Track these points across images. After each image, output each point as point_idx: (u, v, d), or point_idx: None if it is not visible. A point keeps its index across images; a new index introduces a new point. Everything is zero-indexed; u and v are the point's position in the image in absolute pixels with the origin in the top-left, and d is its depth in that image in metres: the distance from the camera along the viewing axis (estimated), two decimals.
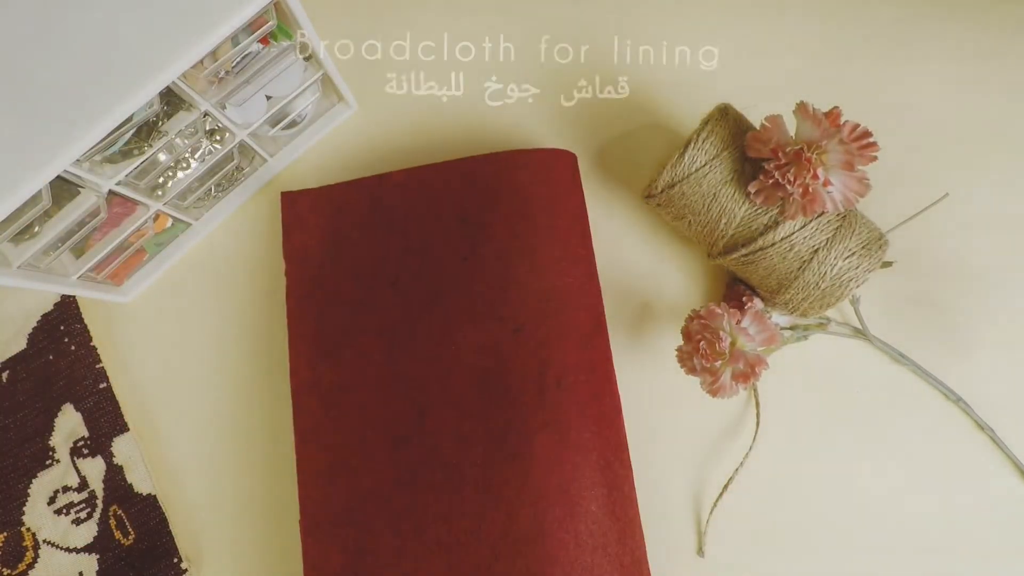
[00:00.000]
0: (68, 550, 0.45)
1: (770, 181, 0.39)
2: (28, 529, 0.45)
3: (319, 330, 0.45)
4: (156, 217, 0.44)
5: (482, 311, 0.43)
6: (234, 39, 0.37)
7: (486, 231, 0.44)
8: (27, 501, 0.45)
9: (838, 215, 0.41)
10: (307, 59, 0.43)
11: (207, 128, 0.42)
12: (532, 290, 0.43)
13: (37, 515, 0.45)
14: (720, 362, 0.39)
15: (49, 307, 0.47)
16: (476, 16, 0.52)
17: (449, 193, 0.45)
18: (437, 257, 0.44)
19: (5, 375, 0.46)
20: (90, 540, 0.45)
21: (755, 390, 0.46)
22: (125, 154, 0.38)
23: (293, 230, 0.47)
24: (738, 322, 0.39)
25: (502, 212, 0.44)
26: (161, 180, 0.42)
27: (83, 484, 0.45)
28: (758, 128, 0.40)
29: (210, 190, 0.47)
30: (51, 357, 0.47)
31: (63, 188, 0.36)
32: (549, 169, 0.45)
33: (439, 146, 0.50)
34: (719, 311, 0.40)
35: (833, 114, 0.37)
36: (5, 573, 0.44)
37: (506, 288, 0.43)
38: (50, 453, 0.46)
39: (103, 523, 0.45)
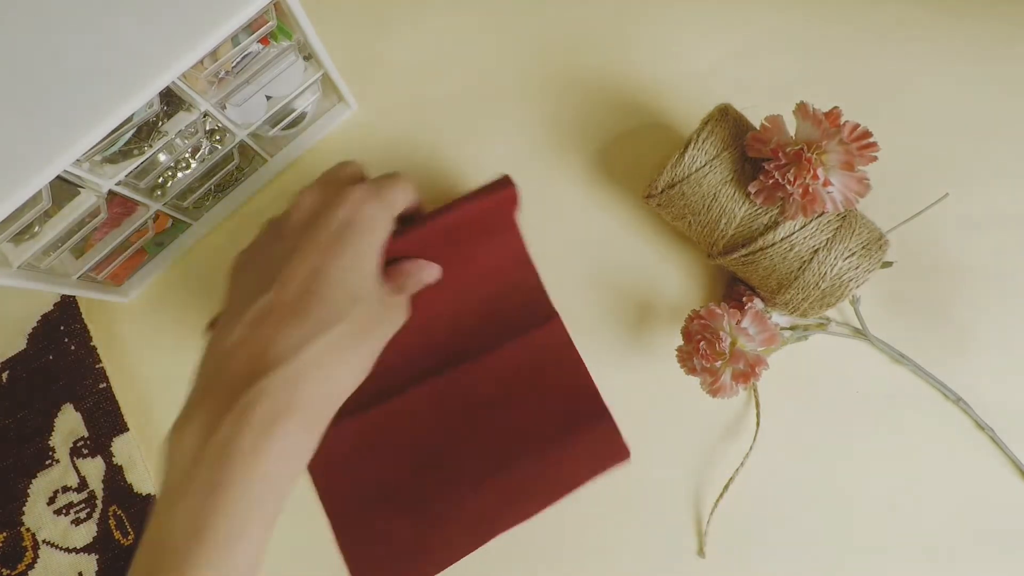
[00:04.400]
0: (68, 550, 0.45)
1: (770, 181, 0.39)
2: (28, 529, 0.45)
3: None
4: (156, 217, 0.44)
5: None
6: (234, 39, 0.37)
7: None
8: (27, 501, 0.45)
9: (838, 215, 0.41)
10: (307, 59, 0.43)
11: (207, 128, 0.42)
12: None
13: (37, 515, 0.45)
14: (720, 362, 0.39)
15: (49, 307, 0.47)
16: (476, 16, 0.52)
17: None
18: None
19: (5, 375, 0.46)
20: (90, 540, 0.45)
21: (755, 390, 0.46)
22: (125, 154, 0.38)
23: None
24: (738, 322, 0.39)
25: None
26: (161, 180, 0.42)
27: (83, 484, 0.45)
28: (758, 128, 0.40)
29: (210, 190, 0.47)
30: (51, 357, 0.47)
31: (63, 188, 0.36)
32: (491, 211, 0.46)
33: (438, 145, 0.50)
34: (719, 311, 0.40)
35: (833, 114, 0.37)
36: (5, 573, 0.44)
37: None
38: (50, 453, 0.46)
39: (103, 523, 0.45)
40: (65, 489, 0.45)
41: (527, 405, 0.45)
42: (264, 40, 0.39)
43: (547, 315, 0.46)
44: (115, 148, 0.37)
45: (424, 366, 0.46)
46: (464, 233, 0.45)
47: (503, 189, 0.44)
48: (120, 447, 0.46)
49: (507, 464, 0.45)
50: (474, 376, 0.45)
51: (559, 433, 0.45)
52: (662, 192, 0.43)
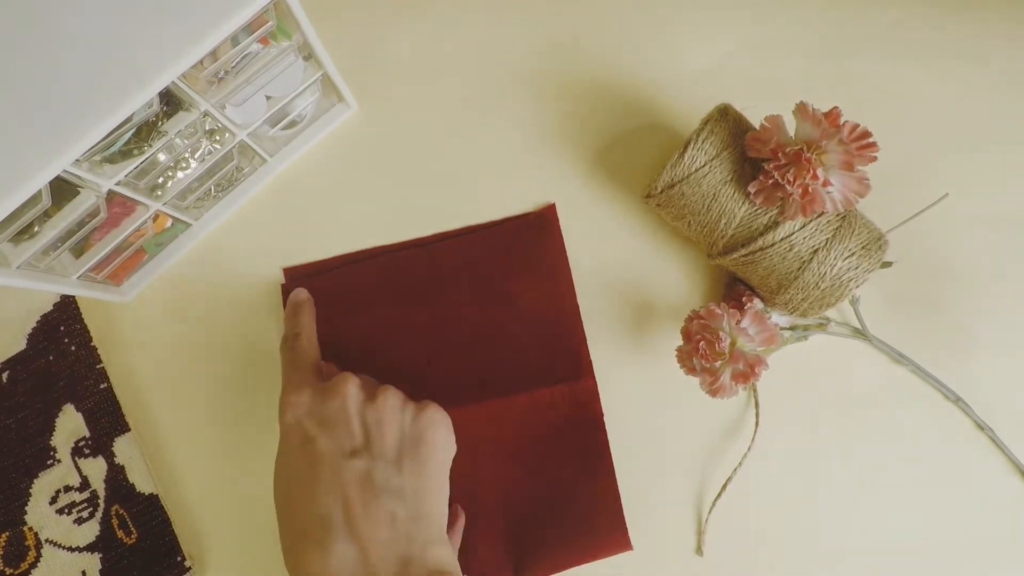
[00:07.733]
0: (70, 549, 0.45)
1: (770, 181, 0.39)
2: (30, 528, 0.45)
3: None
4: (156, 217, 0.44)
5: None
6: (234, 39, 0.37)
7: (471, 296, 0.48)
8: (29, 500, 0.45)
9: (838, 215, 0.41)
10: (307, 59, 0.43)
11: (207, 128, 0.42)
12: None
13: (39, 514, 0.45)
14: (720, 362, 0.39)
15: (49, 307, 0.47)
16: (476, 17, 0.52)
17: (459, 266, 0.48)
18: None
19: (5, 375, 0.46)
20: (92, 539, 0.45)
21: (755, 390, 0.46)
22: (125, 154, 0.38)
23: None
24: (738, 322, 0.39)
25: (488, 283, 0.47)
26: (161, 180, 0.42)
27: (84, 484, 0.45)
28: (758, 128, 0.40)
29: (210, 190, 0.47)
30: (51, 357, 0.47)
31: (63, 188, 0.36)
32: (535, 232, 0.48)
33: (438, 145, 0.50)
34: (719, 311, 0.40)
35: (833, 114, 0.37)
36: (8, 572, 0.44)
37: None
38: (51, 453, 0.46)
39: (105, 522, 0.45)
40: (67, 489, 0.45)
41: (542, 458, 0.45)
42: (264, 40, 0.39)
43: (582, 370, 0.46)
44: (115, 148, 0.37)
45: (455, 385, 0.46)
46: (508, 247, 0.47)
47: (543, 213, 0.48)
48: (121, 447, 0.46)
49: (512, 522, 0.45)
50: (498, 413, 0.45)
51: (567, 504, 0.45)
52: (662, 192, 0.43)
